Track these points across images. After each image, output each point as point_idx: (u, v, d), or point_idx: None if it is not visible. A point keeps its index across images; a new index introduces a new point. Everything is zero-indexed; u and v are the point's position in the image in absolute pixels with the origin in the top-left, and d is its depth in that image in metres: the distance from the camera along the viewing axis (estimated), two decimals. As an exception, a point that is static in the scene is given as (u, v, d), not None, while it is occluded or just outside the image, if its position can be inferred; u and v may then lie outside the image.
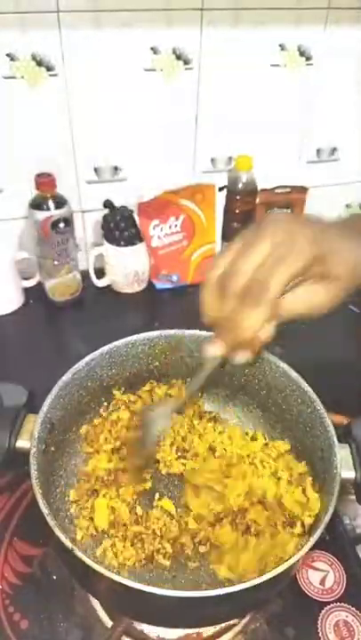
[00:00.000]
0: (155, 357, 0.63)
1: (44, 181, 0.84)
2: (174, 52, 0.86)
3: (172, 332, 0.61)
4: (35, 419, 0.51)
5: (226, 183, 0.96)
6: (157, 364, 0.63)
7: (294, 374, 0.55)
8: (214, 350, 0.44)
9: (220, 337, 0.44)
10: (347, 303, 0.51)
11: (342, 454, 0.48)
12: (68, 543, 0.41)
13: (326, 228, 0.44)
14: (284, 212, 0.43)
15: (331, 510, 0.44)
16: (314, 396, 0.52)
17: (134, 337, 0.60)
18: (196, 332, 0.60)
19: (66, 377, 0.55)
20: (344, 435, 0.50)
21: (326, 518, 0.43)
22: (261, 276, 0.39)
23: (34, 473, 0.46)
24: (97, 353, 0.58)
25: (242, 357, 0.45)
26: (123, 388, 0.63)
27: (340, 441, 0.49)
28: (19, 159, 0.89)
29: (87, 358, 0.57)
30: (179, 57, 0.87)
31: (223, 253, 0.43)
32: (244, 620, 0.55)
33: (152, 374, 0.64)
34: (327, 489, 0.47)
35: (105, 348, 0.59)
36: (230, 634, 0.54)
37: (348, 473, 0.47)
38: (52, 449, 0.53)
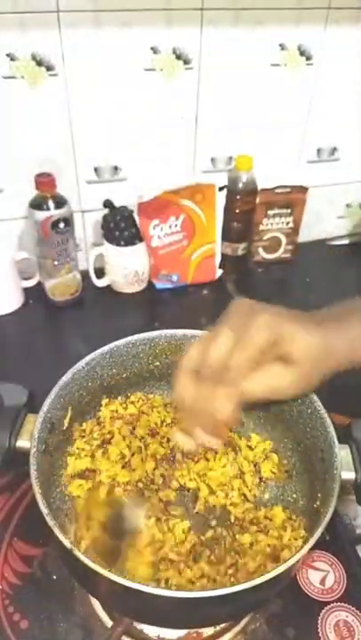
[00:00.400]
0: (155, 357, 0.63)
1: (44, 181, 0.84)
2: (174, 51, 0.86)
3: (172, 331, 0.61)
4: (35, 419, 0.51)
5: (226, 183, 0.96)
6: (158, 363, 0.63)
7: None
8: (188, 444, 0.47)
9: (192, 424, 0.46)
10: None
11: (342, 455, 0.48)
12: (67, 543, 0.40)
13: (289, 314, 0.45)
14: (247, 300, 0.46)
15: (331, 510, 0.44)
16: (314, 396, 0.52)
17: (135, 337, 0.60)
18: (198, 332, 0.60)
19: (66, 377, 0.55)
20: (344, 435, 0.50)
21: (326, 518, 0.43)
22: (225, 361, 0.42)
23: (33, 473, 0.46)
24: (97, 352, 0.58)
25: (214, 445, 0.46)
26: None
27: (340, 442, 0.49)
28: (19, 159, 0.89)
29: (87, 358, 0.57)
30: (179, 57, 0.87)
31: (195, 343, 0.45)
32: (244, 620, 0.55)
33: (152, 374, 0.64)
34: (327, 490, 0.47)
35: (105, 348, 0.59)
36: (230, 634, 0.54)
37: (348, 474, 0.47)
38: (52, 449, 0.53)
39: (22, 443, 0.50)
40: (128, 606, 0.48)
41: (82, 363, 0.57)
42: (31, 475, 0.46)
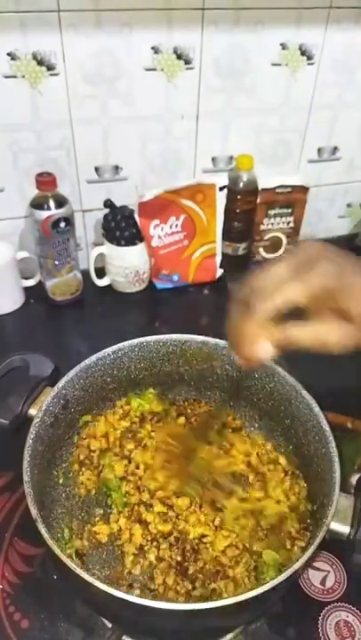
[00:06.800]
0: (186, 361, 0.63)
1: (45, 181, 0.84)
2: (175, 51, 0.86)
3: (205, 338, 0.62)
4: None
5: (227, 182, 0.96)
6: (188, 367, 0.64)
7: (317, 409, 0.54)
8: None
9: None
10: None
11: (345, 505, 0.45)
12: (39, 523, 0.41)
13: (355, 267, 0.42)
14: (317, 243, 0.43)
15: (330, 519, 0.44)
16: (330, 437, 0.51)
17: (166, 336, 0.61)
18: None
19: (89, 360, 0.57)
20: (357, 485, 0.49)
21: (324, 529, 0.43)
22: (266, 290, 0.41)
23: (29, 442, 0.48)
24: (125, 344, 0.60)
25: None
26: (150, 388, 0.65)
27: (348, 491, 0.47)
28: (19, 158, 0.89)
29: (114, 347, 0.59)
30: (180, 56, 0.87)
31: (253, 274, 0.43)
32: (245, 620, 0.55)
33: (182, 377, 0.64)
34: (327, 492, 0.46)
35: (134, 341, 0.60)
36: (231, 634, 0.54)
37: (342, 527, 0.45)
38: (64, 425, 0.55)
39: (33, 411, 0.52)
40: (121, 618, 0.48)
41: (108, 350, 0.59)
42: (26, 442, 0.48)
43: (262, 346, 0.42)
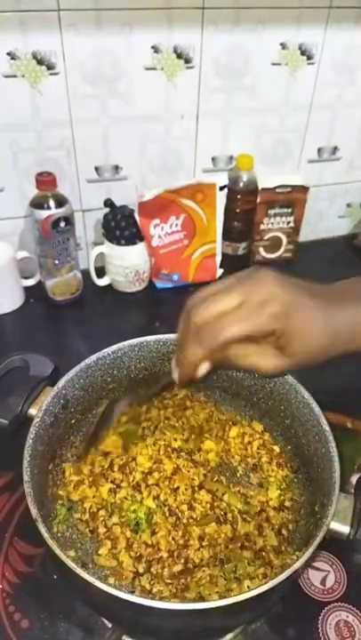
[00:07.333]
0: None
1: (45, 180, 0.84)
2: (175, 50, 0.86)
3: None
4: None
5: (227, 182, 0.96)
6: None
7: (317, 409, 0.54)
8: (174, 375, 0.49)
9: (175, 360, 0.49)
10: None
11: (345, 505, 0.45)
12: (35, 512, 0.41)
13: (307, 303, 0.44)
14: (276, 272, 0.44)
15: (330, 519, 0.44)
16: (330, 437, 0.51)
17: (166, 336, 0.61)
18: None
19: (89, 360, 0.57)
20: (357, 485, 0.49)
21: (324, 529, 0.43)
22: (216, 324, 0.43)
23: (29, 441, 0.48)
24: (125, 343, 0.60)
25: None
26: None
27: (348, 491, 0.47)
28: (19, 158, 0.89)
29: (114, 347, 0.59)
30: (180, 56, 0.87)
31: (205, 288, 0.46)
32: (245, 620, 0.55)
33: None
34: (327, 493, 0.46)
35: (134, 341, 0.60)
36: (231, 634, 0.54)
37: (342, 527, 0.45)
38: (64, 424, 0.55)
39: (33, 411, 0.52)
40: (112, 612, 0.48)
41: (108, 350, 0.59)
42: (26, 441, 0.48)
43: (203, 366, 0.46)
